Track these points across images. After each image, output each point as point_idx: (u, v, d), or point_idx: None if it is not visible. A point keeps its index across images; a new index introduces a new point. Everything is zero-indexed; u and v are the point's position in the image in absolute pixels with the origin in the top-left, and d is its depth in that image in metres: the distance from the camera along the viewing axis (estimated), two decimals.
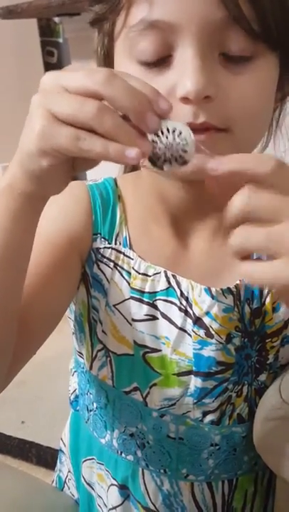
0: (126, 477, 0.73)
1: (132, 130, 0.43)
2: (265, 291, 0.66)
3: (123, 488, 0.73)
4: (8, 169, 0.49)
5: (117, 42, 0.58)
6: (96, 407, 0.74)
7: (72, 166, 0.47)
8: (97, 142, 0.42)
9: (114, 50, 0.59)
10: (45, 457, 1.59)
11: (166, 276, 0.67)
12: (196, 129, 0.49)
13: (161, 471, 0.71)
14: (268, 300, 0.67)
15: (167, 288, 0.67)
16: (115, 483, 0.74)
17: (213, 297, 0.66)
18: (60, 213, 0.66)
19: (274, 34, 0.53)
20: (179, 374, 0.67)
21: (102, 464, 0.76)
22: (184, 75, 0.52)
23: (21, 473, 0.96)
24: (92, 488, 0.78)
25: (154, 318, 0.67)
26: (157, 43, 0.53)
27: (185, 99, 0.52)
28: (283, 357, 0.69)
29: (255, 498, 0.72)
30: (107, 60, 0.61)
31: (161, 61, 0.53)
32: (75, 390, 0.81)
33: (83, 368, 0.75)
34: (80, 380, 0.79)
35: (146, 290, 0.67)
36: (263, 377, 0.68)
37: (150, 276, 0.67)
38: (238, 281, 0.67)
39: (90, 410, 0.76)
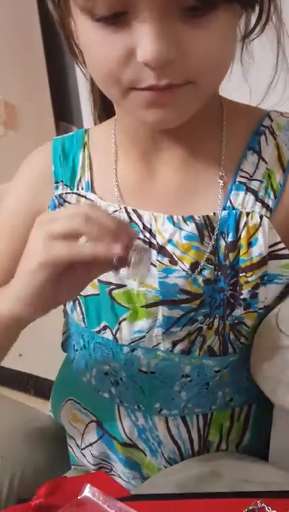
0: (102, 414, 0.75)
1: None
2: (241, 225, 0.65)
3: (100, 425, 0.76)
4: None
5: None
6: (78, 348, 0.77)
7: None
8: (87, 245, 0.54)
9: (72, 10, 0.57)
10: (43, 389, 1.63)
11: (127, 211, 0.69)
12: (159, 89, 0.53)
13: (135, 406, 0.72)
14: (243, 234, 0.65)
15: (129, 223, 0.67)
16: (94, 419, 0.76)
17: (174, 224, 0.65)
18: (25, 206, 0.76)
19: None
20: (147, 306, 0.67)
21: (80, 404, 0.78)
22: (143, 40, 0.51)
23: (18, 403, 0.98)
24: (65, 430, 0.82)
25: None
26: None
27: (146, 64, 0.51)
28: (267, 297, 0.67)
29: (230, 433, 0.73)
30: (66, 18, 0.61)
31: (118, 17, 0.51)
32: (65, 332, 0.83)
33: (65, 310, 0.78)
34: (66, 321, 0.81)
35: None
36: (237, 312, 0.67)
37: (110, 214, 0.67)
38: (210, 212, 0.66)
39: (76, 350, 0.77)
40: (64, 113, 2.81)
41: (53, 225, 0.55)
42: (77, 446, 0.80)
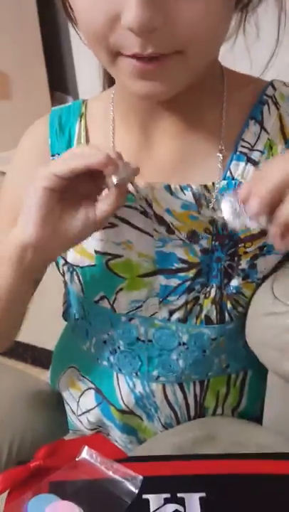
0: (101, 382, 0.77)
1: None
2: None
3: (98, 391, 0.78)
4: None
5: None
6: (78, 317, 0.79)
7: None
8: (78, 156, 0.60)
9: None
10: (40, 358, 1.65)
11: None
12: (144, 59, 0.54)
13: (133, 374, 0.74)
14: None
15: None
16: (92, 386, 0.78)
17: (172, 193, 0.66)
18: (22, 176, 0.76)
19: None
20: (144, 275, 0.69)
21: (80, 372, 0.80)
22: (128, 4, 0.51)
23: (19, 370, 1.02)
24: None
25: (113, 225, 0.69)
26: None
27: (130, 29, 0.52)
28: (266, 268, 0.69)
29: (227, 398, 0.75)
30: None
31: None
32: (65, 302, 0.84)
33: (64, 281, 0.80)
34: (65, 291, 0.83)
35: None
36: (235, 282, 0.69)
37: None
38: (208, 181, 0.67)
39: (76, 319, 0.79)
40: (59, 83, 2.74)
41: (49, 168, 0.60)
42: (73, 412, 0.82)
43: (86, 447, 0.61)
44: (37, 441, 0.78)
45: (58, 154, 0.74)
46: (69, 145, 0.75)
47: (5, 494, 0.59)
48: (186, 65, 0.56)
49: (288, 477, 0.60)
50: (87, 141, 0.74)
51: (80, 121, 0.75)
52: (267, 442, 0.67)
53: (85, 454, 0.61)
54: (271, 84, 0.69)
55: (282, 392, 0.70)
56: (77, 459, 0.61)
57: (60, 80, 2.75)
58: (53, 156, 0.75)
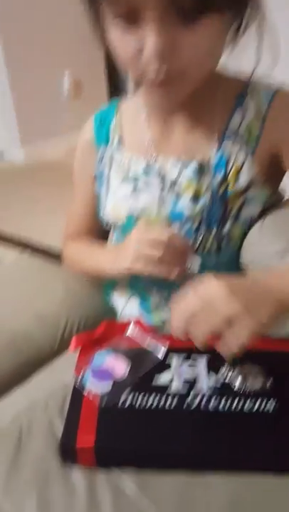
0: (141, 292, 0.99)
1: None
2: (230, 166, 0.82)
3: (140, 299, 1.00)
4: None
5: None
6: None
7: None
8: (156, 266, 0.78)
9: (101, 12, 0.68)
10: None
11: (145, 159, 0.87)
12: (156, 85, 0.67)
13: (164, 287, 0.94)
14: (231, 173, 0.82)
15: (146, 168, 0.86)
16: (134, 295, 1.00)
17: (180, 166, 0.83)
18: (83, 168, 0.98)
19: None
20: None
21: (125, 285, 1.02)
22: (148, 37, 0.62)
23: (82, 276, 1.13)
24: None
25: (138, 193, 0.87)
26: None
27: (150, 59, 0.64)
28: (249, 214, 0.85)
29: None
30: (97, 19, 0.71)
31: (132, 14, 0.62)
32: None
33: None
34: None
35: (132, 173, 0.87)
36: (227, 225, 0.85)
37: (134, 162, 0.87)
38: (208, 156, 0.83)
39: None
40: (115, 90, 3.65)
41: (141, 246, 0.79)
42: (120, 312, 1.04)
43: (132, 324, 0.80)
44: (96, 322, 0.93)
45: (100, 144, 0.93)
46: (107, 135, 0.92)
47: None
48: (186, 82, 0.69)
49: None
50: (121, 130, 0.91)
51: (116, 116, 0.93)
52: None
53: (131, 329, 0.79)
54: (253, 81, 0.83)
55: None
56: (126, 334, 0.78)
57: (116, 88, 3.64)
58: (98, 146, 0.93)
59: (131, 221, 0.90)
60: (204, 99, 0.83)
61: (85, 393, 0.70)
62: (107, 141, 0.94)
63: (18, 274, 1.14)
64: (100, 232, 1.07)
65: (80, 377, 0.72)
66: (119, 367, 0.74)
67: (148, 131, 0.89)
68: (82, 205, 1.01)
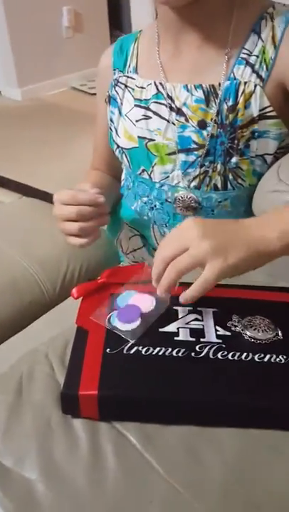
0: (143, 230, 1.00)
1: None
2: (240, 92, 0.79)
3: (142, 237, 1.02)
4: None
5: None
6: (128, 187, 1.02)
7: None
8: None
9: None
10: None
11: (156, 84, 0.88)
12: None
13: (164, 224, 0.97)
14: (241, 100, 0.80)
15: (156, 93, 0.85)
16: (138, 233, 1.02)
17: (188, 91, 0.82)
18: (104, 94, 0.97)
19: None
20: (169, 154, 0.88)
21: (128, 223, 1.04)
22: None
23: None
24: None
25: (149, 117, 0.87)
26: None
27: None
28: (258, 148, 0.83)
29: None
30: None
31: None
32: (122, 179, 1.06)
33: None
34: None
35: (143, 98, 0.86)
36: (234, 159, 0.84)
37: (145, 87, 0.86)
38: (218, 81, 0.80)
39: (128, 189, 1.01)
40: (117, 23, 3.61)
41: (55, 208, 0.81)
42: (124, 252, 1.07)
43: (146, 264, 0.78)
44: (99, 267, 1.00)
45: (118, 69, 0.94)
46: (125, 61, 0.93)
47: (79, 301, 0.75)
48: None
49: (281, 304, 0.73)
50: (137, 56, 0.92)
51: (135, 43, 0.94)
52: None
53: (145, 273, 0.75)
54: (272, 5, 0.79)
55: None
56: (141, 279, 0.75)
57: (117, 21, 3.62)
58: (114, 70, 0.95)
59: (142, 145, 0.91)
60: (218, 17, 0.81)
61: (116, 331, 0.68)
62: (124, 67, 0.95)
63: (18, 216, 1.12)
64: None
65: (107, 318, 0.71)
66: (145, 302, 0.72)
67: (159, 55, 0.88)
68: (104, 134, 1.01)
